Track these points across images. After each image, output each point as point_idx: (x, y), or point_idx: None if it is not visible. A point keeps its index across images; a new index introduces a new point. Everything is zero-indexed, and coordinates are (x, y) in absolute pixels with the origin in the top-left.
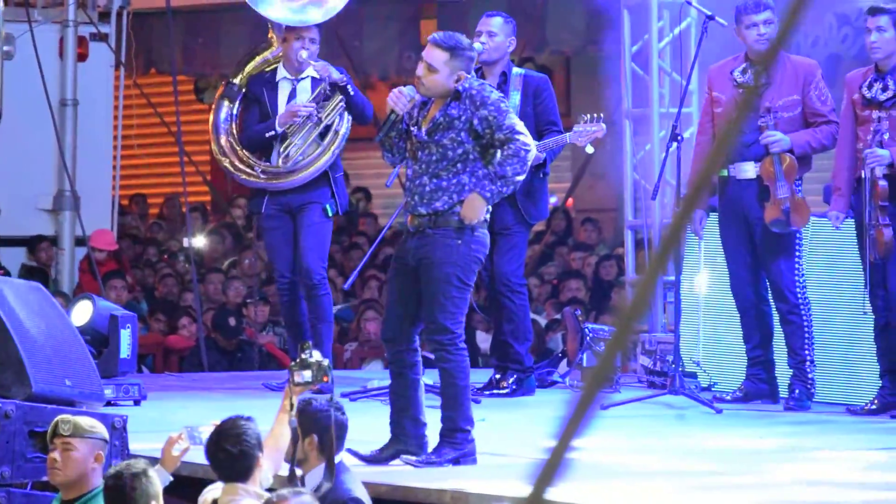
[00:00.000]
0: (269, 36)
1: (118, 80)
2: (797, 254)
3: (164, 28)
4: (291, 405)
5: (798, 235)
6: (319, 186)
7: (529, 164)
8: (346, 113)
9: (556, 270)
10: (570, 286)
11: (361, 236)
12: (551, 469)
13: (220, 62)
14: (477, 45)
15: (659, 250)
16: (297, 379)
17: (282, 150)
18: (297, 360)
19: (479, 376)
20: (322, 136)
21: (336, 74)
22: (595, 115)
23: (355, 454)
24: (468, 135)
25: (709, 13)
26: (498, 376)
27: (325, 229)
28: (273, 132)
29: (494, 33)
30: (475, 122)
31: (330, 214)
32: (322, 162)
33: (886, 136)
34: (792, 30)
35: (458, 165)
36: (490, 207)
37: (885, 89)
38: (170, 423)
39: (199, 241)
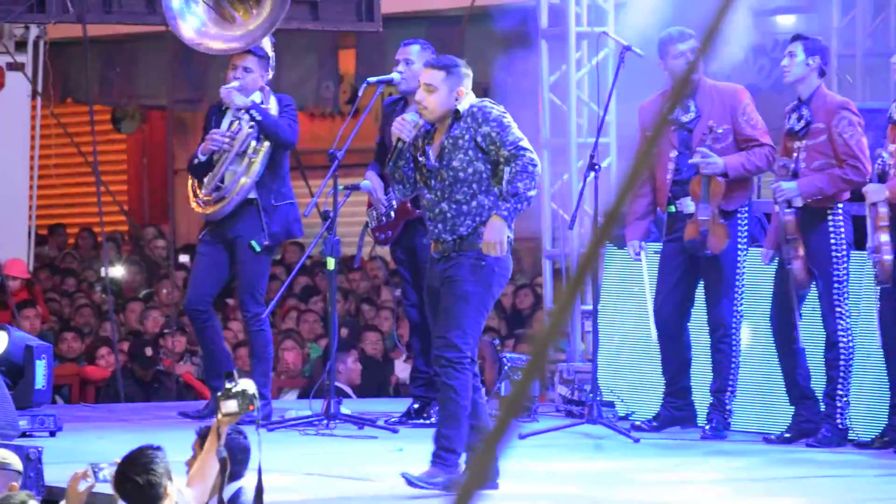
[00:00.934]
0: None
1: (35, 109)
2: (737, 281)
3: (81, 58)
4: (219, 435)
5: (738, 260)
6: (246, 219)
7: (537, 183)
8: (262, 139)
9: None
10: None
11: (279, 266)
12: (467, 498)
13: (137, 92)
14: (395, 74)
15: (573, 279)
16: (223, 409)
17: (206, 180)
18: (223, 391)
19: (398, 406)
20: (241, 163)
21: (239, 101)
22: None
23: (407, 478)
24: (476, 152)
25: (626, 44)
26: (416, 406)
27: (253, 265)
28: (197, 160)
29: (412, 61)
30: (479, 139)
31: (258, 250)
32: (239, 188)
33: (803, 166)
34: (704, 56)
35: (474, 186)
36: (510, 232)
37: (800, 119)
38: (85, 454)
39: (118, 271)
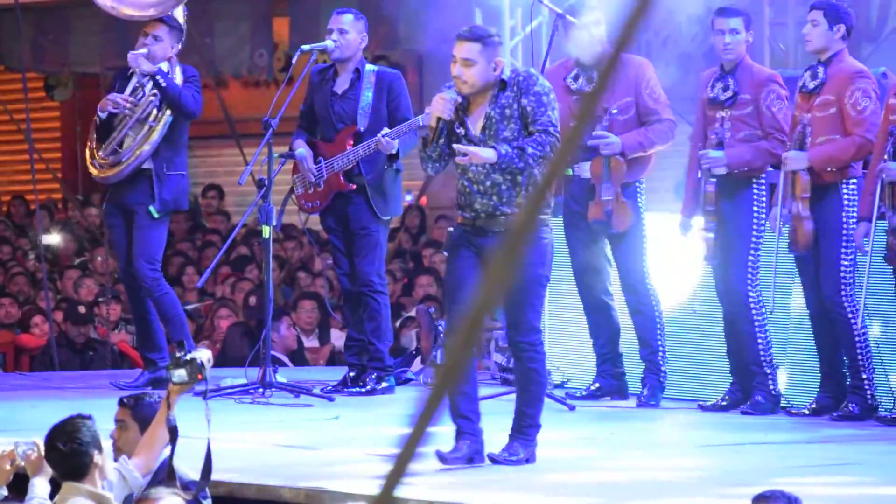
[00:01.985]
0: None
1: None
2: (643, 244)
3: (13, 24)
4: (169, 405)
5: (642, 228)
6: (143, 186)
7: (543, 162)
8: (164, 107)
9: (405, 267)
10: (420, 282)
11: (215, 234)
12: (401, 467)
13: (69, 59)
14: (328, 42)
15: (506, 247)
16: (173, 378)
17: (105, 143)
18: (173, 360)
19: (334, 374)
20: (141, 129)
21: (146, 66)
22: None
23: (442, 456)
24: (523, 121)
25: (560, 11)
26: (352, 374)
27: (150, 231)
28: (97, 117)
29: (346, 30)
30: (522, 110)
31: (156, 216)
32: (137, 155)
33: (728, 136)
34: (633, 32)
35: None
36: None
37: (725, 88)
38: (19, 423)
39: (54, 239)
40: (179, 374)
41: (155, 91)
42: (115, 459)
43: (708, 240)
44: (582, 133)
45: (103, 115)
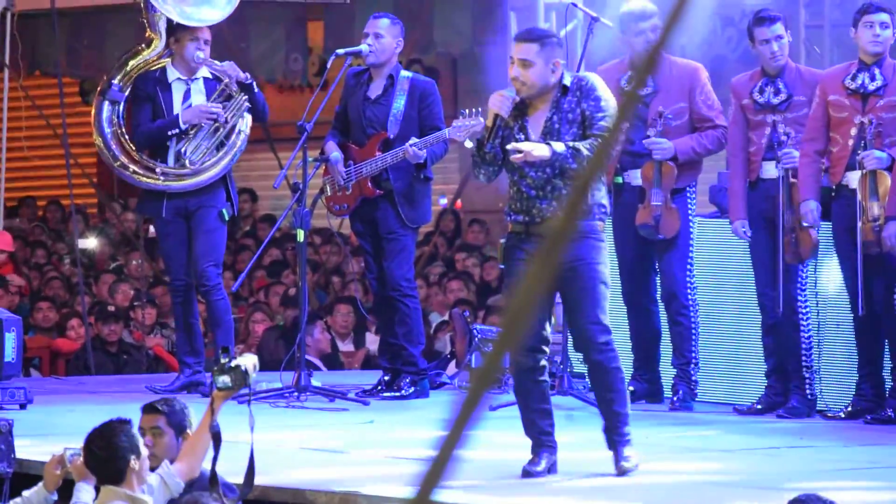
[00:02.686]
0: (148, 35)
1: (3, 82)
2: (689, 254)
3: (49, 30)
4: (213, 411)
5: (690, 236)
6: (215, 189)
7: (594, 164)
8: (246, 113)
9: (440, 271)
10: (451, 287)
11: (249, 237)
12: (438, 470)
13: (105, 64)
14: (363, 47)
15: (544, 251)
16: (217, 384)
17: (181, 150)
18: (218, 366)
19: (369, 378)
20: (226, 136)
21: (242, 73)
22: (474, 109)
23: (532, 472)
24: (582, 126)
25: (595, 14)
26: (387, 378)
27: (220, 234)
28: (177, 129)
29: (381, 35)
30: (582, 114)
31: (226, 218)
32: (226, 163)
33: (784, 138)
34: (671, 34)
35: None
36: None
37: (777, 93)
38: (56, 427)
39: (90, 243)
40: (224, 379)
41: (244, 98)
42: (151, 467)
43: (814, 238)
44: (619, 134)
45: (184, 127)
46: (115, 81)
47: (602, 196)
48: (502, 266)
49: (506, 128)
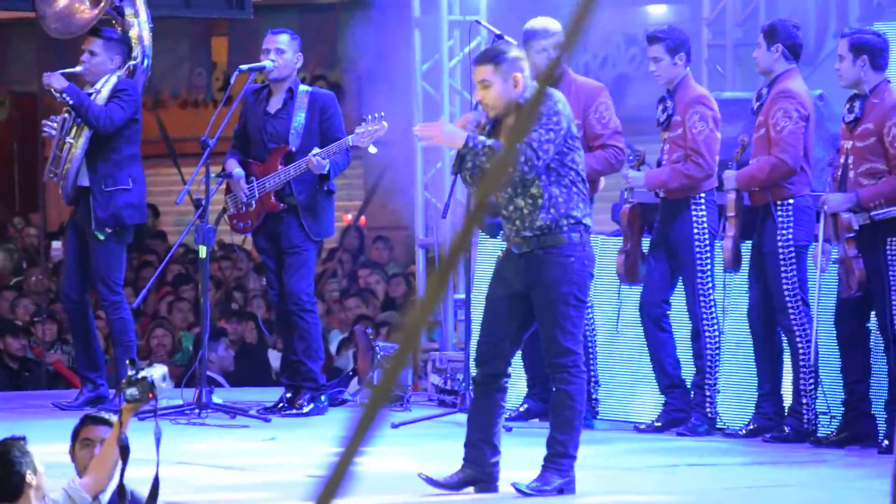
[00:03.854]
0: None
1: None
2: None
3: None
4: (121, 423)
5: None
6: (84, 206)
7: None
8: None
9: (341, 287)
10: (348, 304)
11: (152, 254)
12: (333, 486)
13: (7, 77)
14: (267, 62)
15: (442, 267)
16: (126, 396)
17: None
18: (126, 378)
19: (271, 395)
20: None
21: (56, 83)
22: (376, 114)
23: (429, 480)
24: None
25: (498, 32)
26: (289, 395)
27: (104, 253)
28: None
29: (283, 50)
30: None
31: (101, 238)
32: (66, 173)
33: (665, 158)
34: (569, 50)
35: (543, 178)
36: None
37: (664, 110)
38: None
39: None
40: (131, 392)
41: (68, 110)
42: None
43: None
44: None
45: (48, 136)
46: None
47: (574, 207)
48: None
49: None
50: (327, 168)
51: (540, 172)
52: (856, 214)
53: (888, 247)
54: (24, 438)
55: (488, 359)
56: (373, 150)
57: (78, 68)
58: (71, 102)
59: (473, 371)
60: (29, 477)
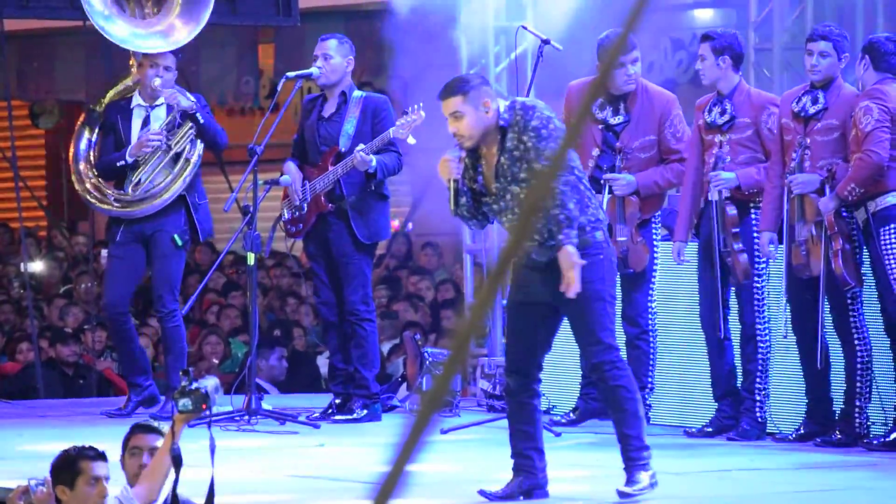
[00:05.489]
0: (130, 63)
1: None
2: (651, 278)
3: None
4: (173, 434)
5: (654, 263)
6: (171, 214)
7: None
8: (197, 140)
9: (389, 294)
10: (397, 309)
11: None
12: (387, 493)
13: (54, 87)
14: (314, 69)
15: (493, 274)
16: (179, 407)
17: (133, 178)
18: (179, 388)
19: (321, 401)
20: (174, 163)
21: (185, 102)
22: (415, 105)
23: (486, 495)
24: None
25: (544, 37)
26: (338, 401)
27: (174, 260)
28: (123, 162)
29: (330, 56)
30: (526, 149)
31: (179, 244)
32: (173, 190)
33: (728, 160)
34: (618, 55)
35: None
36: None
37: (722, 113)
38: (3, 451)
39: (37, 267)
40: (184, 402)
41: (192, 125)
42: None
43: (742, 262)
44: (575, 138)
45: (131, 161)
46: (95, 108)
47: (588, 205)
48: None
49: (466, 181)
50: (374, 166)
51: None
52: (853, 211)
53: (882, 237)
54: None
55: (521, 367)
56: (411, 140)
57: (157, 82)
58: (203, 122)
59: (509, 381)
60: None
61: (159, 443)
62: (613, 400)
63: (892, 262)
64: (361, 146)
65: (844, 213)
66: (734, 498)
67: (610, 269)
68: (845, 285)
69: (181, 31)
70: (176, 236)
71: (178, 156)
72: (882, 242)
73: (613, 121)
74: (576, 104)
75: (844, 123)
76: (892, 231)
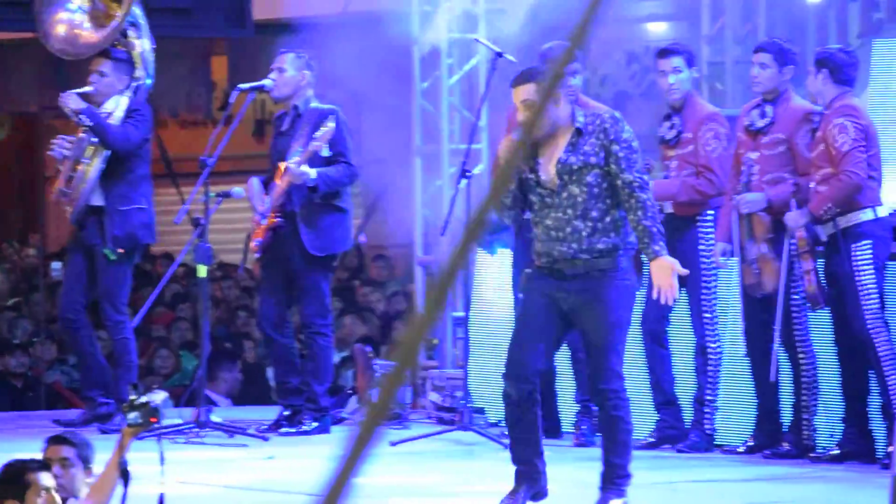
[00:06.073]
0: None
1: None
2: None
3: None
4: (122, 447)
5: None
6: (96, 226)
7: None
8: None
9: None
10: (345, 322)
11: (148, 274)
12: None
13: (6, 98)
14: (266, 81)
15: (438, 284)
16: (128, 420)
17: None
18: (128, 402)
19: (270, 414)
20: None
21: (72, 103)
22: (330, 116)
23: None
24: (606, 167)
25: (498, 50)
26: (287, 413)
27: (111, 272)
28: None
29: (284, 69)
30: (609, 156)
31: (112, 258)
32: (79, 193)
33: (673, 175)
34: (566, 63)
35: (608, 201)
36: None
37: (671, 128)
38: None
39: None
40: (134, 416)
41: (87, 130)
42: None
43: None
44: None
45: (58, 157)
46: None
47: (629, 232)
48: (520, 296)
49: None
50: (314, 180)
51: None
52: (821, 226)
53: (853, 253)
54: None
55: (528, 375)
56: (325, 152)
57: (88, 88)
58: (90, 124)
59: (508, 388)
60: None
61: (69, 453)
62: (610, 429)
63: (864, 278)
64: (295, 159)
65: (809, 227)
66: None
67: (634, 297)
68: (816, 305)
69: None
70: (107, 251)
71: (82, 161)
72: (853, 259)
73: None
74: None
75: (790, 137)
76: (866, 248)
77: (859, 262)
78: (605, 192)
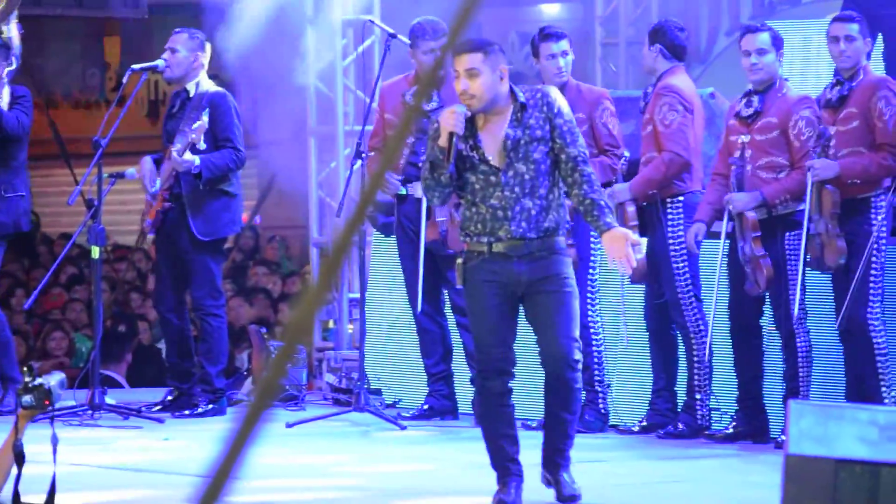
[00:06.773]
0: None
1: None
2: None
3: None
4: (17, 430)
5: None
6: None
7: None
8: None
9: (235, 288)
10: (238, 303)
11: (49, 256)
12: (217, 487)
13: None
14: (159, 61)
15: (326, 264)
16: (22, 403)
17: None
18: (22, 384)
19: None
20: None
21: None
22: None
23: None
24: (549, 143)
25: (392, 31)
26: (174, 395)
27: None
28: None
29: (176, 49)
30: (552, 130)
31: None
32: None
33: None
34: (454, 47)
35: (551, 178)
36: None
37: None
38: None
39: None
40: (27, 398)
41: None
42: None
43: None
44: (401, 147)
45: None
46: None
47: (565, 213)
48: (460, 287)
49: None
50: (197, 164)
51: (547, 173)
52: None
53: (786, 240)
54: None
55: (505, 366)
56: (202, 146)
57: None
58: None
59: (490, 383)
60: None
61: None
62: (570, 400)
63: (794, 266)
64: (178, 146)
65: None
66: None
67: (583, 270)
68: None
69: None
70: None
71: None
72: (788, 246)
73: (428, 107)
74: (388, 105)
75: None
76: (797, 238)
77: (791, 251)
78: (549, 169)
